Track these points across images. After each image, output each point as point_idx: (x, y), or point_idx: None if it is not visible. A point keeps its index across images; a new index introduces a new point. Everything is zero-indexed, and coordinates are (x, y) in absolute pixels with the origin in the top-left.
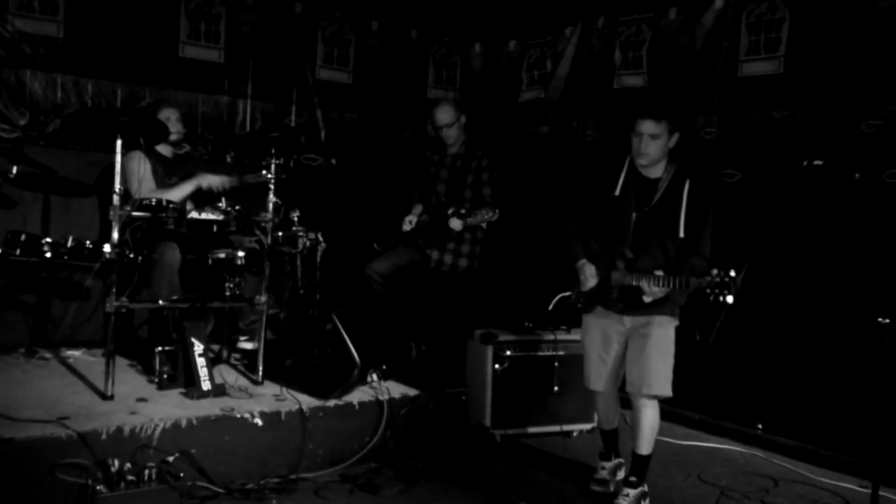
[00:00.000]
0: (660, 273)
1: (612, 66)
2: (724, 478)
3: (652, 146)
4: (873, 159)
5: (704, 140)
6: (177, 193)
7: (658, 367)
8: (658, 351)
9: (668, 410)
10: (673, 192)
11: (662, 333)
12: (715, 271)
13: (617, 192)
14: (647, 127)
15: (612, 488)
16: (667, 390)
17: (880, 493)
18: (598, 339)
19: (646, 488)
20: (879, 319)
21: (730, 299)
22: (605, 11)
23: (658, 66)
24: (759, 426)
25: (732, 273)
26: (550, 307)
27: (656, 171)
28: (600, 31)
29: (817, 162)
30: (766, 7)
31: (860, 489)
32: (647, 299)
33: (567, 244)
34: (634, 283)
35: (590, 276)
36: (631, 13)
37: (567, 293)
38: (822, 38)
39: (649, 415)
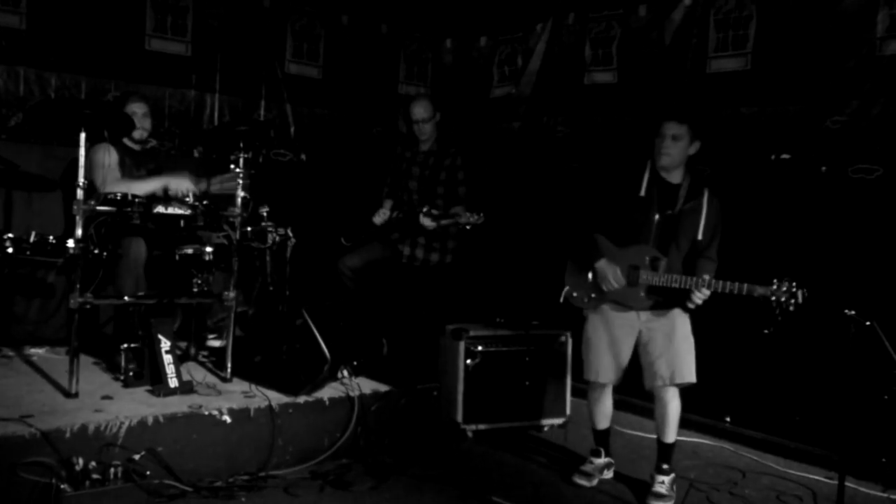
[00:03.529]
0: (707, 277)
1: (583, 63)
2: (693, 470)
3: (674, 147)
4: (838, 154)
5: None
6: (143, 187)
7: (687, 357)
8: (685, 340)
9: (638, 405)
10: (693, 198)
11: (684, 324)
12: (778, 281)
13: (642, 193)
14: (671, 128)
15: (594, 483)
16: (693, 377)
17: (847, 484)
18: (609, 336)
19: (675, 475)
20: (845, 311)
21: (791, 308)
22: (576, 8)
23: (628, 63)
24: (727, 419)
25: (794, 285)
26: (561, 300)
27: (676, 177)
28: (571, 28)
29: (784, 156)
30: (734, 4)
31: (827, 480)
32: (697, 300)
33: (582, 247)
34: (672, 285)
35: (613, 280)
36: (601, 10)
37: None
38: (789, 36)
39: (676, 404)
